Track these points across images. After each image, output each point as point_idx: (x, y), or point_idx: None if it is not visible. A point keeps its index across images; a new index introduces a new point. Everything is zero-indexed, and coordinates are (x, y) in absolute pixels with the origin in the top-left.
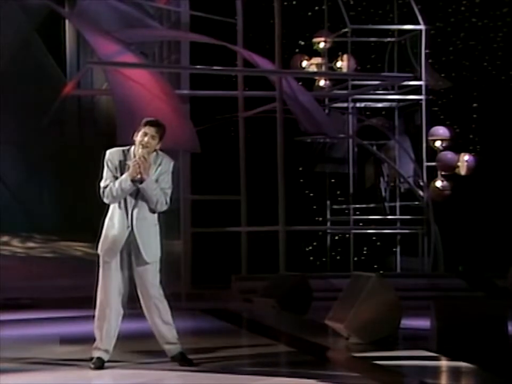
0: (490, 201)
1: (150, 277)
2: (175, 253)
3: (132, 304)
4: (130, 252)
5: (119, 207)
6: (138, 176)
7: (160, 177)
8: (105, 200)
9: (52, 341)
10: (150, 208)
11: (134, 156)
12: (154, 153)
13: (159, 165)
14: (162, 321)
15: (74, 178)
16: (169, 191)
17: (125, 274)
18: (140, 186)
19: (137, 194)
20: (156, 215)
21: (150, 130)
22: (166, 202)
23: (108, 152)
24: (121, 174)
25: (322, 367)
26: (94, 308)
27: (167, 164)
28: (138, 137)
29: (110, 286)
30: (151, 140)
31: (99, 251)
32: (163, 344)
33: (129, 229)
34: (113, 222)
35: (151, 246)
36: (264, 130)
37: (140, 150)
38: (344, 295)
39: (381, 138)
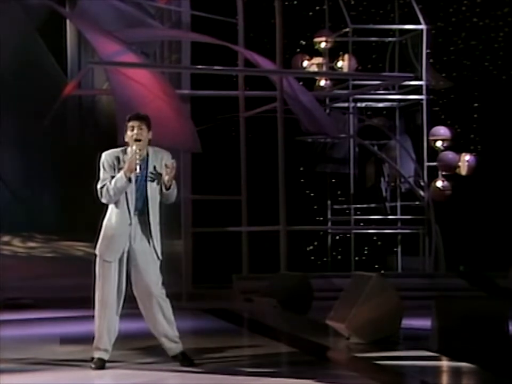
0: (491, 201)
1: (152, 273)
2: (176, 252)
3: (131, 303)
4: (129, 249)
5: (117, 206)
6: (138, 170)
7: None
8: (103, 200)
9: (52, 341)
10: (165, 200)
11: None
12: (152, 150)
13: (161, 159)
14: (165, 319)
15: (75, 178)
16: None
17: (124, 272)
18: (166, 192)
19: (138, 189)
20: (158, 214)
21: (135, 123)
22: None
23: (103, 154)
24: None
25: (323, 367)
26: (93, 307)
27: (168, 156)
28: (128, 134)
29: (109, 286)
30: (140, 130)
31: (97, 251)
32: (165, 343)
33: (131, 226)
34: (112, 222)
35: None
36: (265, 130)
37: (134, 146)
38: (345, 295)
39: (382, 138)
